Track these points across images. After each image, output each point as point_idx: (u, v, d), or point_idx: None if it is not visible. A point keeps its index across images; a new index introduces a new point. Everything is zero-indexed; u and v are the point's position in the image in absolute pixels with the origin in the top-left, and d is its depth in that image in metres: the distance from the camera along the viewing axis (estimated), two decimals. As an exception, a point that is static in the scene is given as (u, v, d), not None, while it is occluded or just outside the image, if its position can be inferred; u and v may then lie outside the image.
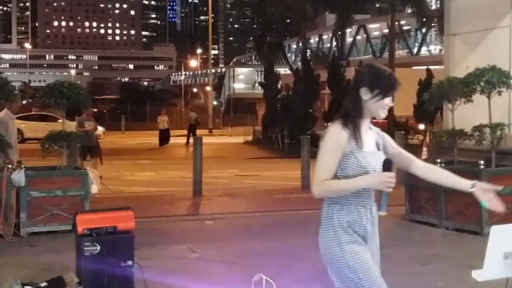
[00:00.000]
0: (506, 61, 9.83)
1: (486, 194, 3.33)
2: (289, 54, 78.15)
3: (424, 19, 37.11)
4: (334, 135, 3.32)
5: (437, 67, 31.27)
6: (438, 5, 38.38)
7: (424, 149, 17.01)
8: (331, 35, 66.31)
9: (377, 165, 3.32)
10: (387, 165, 3.28)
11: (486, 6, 10.71)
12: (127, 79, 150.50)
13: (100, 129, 36.68)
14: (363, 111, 3.36)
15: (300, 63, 36.01)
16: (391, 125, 29.01)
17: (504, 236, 3.09)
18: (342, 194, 3.31)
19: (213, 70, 74.75)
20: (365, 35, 66.45)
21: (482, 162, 8.99)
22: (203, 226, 10.14)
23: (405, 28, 59.91)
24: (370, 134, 3.44)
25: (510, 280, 3.13)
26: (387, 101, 3.36)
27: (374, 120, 3.54)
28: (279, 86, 31.07)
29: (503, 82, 9.00)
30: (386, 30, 45.76)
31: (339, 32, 59.49)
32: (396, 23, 40.67)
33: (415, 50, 61.62)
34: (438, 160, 9.70)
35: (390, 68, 22.21)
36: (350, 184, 3.27)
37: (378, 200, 3.41)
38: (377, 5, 68.00)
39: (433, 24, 38.99)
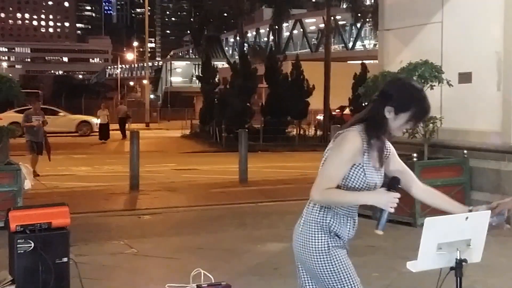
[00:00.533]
0: (438, 56, 10.05)
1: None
2: (226, 48, 78.16)
3: (359, 14, 37.69)
4: (353, 146, 3.13)
5: (372, 61, 31.83)
6: (373, 1, 38.99)
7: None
8: (268, 29, 66.63)
9: (378, 180, 3.25)
10: (394, 185, 3.16)
11: (419, 2, 10.92)
12: (61, 72, 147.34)
13: (96, 121, 32.12)
14: (386, 128, 3.19)
15: (237, 57, 36.03)
16: (327, 119, 29.38)
17: (437, 228, 3.16)
18: (341, 206, 3.22)
19: (150, 64, 73.96)
20: (301, 30, 67.01)
21: (415, 154, 9.20)
22: (140, 221, 10.05)
23: (340, 23, 60.69)
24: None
25: (443, 271, 3.21)
26: (411, 125, 3.24)
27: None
28: (216, 79, 31.00)
29: (435, 76, 9.23)
30: (322, 25, 46.21)
31: (276, 26, 59.87)
32: (332, 18, 41.13)
33: (350, 45, 62.52)
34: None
35: (326, 63, 22.30)
36: (354, 198, 3.18)
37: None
38: (313, 0, 68.66)
39: (367, 19, 39.66)
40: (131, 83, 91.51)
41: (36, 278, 5.29)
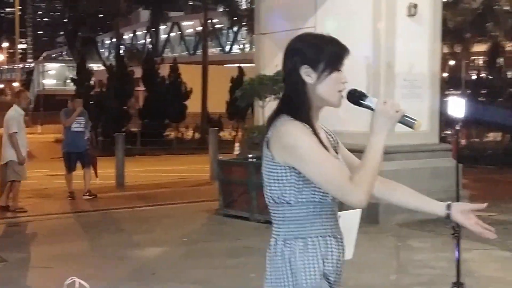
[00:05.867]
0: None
1: (467, 217, 2.46)
2: (102, 50, 76.47)
3: (235, 18, 38.03)
4: (301, 129, 2.29)
5: (248, 65, 32.23)
6: (249, 5, 39.52)
7: (236, 144, 17.47)
8: (145, 31, 65.86)
9: None
10: (356, 99, 2.38)
11: (293, 7, 11.17)
12: None
13: None
14: (311, 100, 2.38)
15: (114, 59, 35.38)
16: (205, 122, 29.47)
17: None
18: (376, 174, 2.28)
19: (20, 65, 71.15)
20: (179, 32, 66.80)
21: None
22: (11, 230, 9.61)
23: (217, 26, 61.04)
24: (323, 132, 2.46)
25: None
26: (340, 75, 2.41)
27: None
28: (92, 82, 30.31)
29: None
30: (200, 28, 46.36)
31: (153, 29, 59.26)
32: (209, 21, 41.32)
33: (227, 48, 63.02)
34: (250, 156, 9.99)
35: (203, 66, 22.25)
36: (374, 149, 2.27)
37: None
38: (190, 3, 68.68)
39: (243, 23, 40.14)
40: (1, 86, 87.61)
41: None
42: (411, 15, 9.85)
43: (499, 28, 28.64)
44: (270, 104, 9.98)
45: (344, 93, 2.39)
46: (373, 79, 9.76)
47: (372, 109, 2.33)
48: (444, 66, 31.29)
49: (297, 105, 2.36)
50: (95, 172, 12.89)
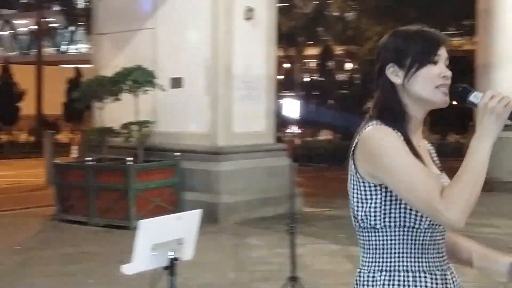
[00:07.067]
0: (151, 61, 10.28)
1: None
2: None
3: (72, 18, 36.90)
4: (389, 134, 1.92)
5: (86, 65, 31.41)
6: (86, 4, 38.52)
7: (75, 147, 16.97)
8: (-27, 29, 62.13)
9: None
10: (459, 93, 1.94)
11: (132, 8, 11.06)
12: None
13: None
14: (404, 103, 2.00)
15: None
16: (40, 124, 28.32)
17: (151, 229, 3.25)
18: (478, 190, 1.80)
19: None
20: (11, 31, 63.70)
21: (130, 158, 9.30)
22: None
23: (53, 25, 58.90)
24: (422, 144, 2.08)
25: (156, 270, 3.30)
26: (437, 69, 1.96)
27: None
28: None
29: (148, 81, 9.45)
30: (34, 27, 44.49)
31: (-18, 26, 56.03)
32: (44, 20, 39.79)
33: (63, 48, 60.99)
34: (89, 158, 9.77)
35: (38, 66, 21.45)
36: (477, 157, 1.82)
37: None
38: (24, 0, 65.73)
39: (81, 23, 39.04)
40: None
41: None
42: (248, 18, 10.10)
43: (329, 32, 30.02)
44: (110, 106, 9.83)
45: (446, 89, 1.97)
46: (212, 81, 9.91)
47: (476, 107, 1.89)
48: (279, 68, 32.41)
49: (387, 109, 1.99)
50: None
